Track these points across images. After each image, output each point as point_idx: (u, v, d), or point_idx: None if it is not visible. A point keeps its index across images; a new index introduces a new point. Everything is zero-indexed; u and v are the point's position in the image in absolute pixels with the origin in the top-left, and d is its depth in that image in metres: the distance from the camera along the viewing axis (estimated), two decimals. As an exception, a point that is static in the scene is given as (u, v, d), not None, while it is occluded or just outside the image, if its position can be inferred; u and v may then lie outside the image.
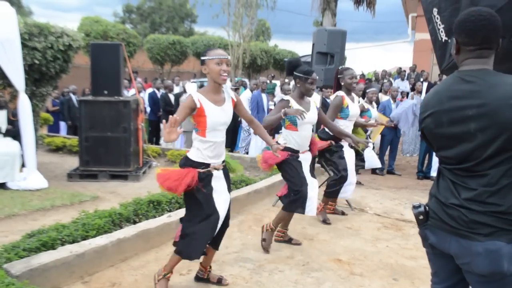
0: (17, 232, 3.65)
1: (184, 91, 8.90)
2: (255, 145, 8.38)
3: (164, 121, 2.34)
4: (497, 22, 1.62)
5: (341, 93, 4.44)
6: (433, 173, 7.32)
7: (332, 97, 4.52)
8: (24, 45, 5.34)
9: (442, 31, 3.12)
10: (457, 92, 1.66)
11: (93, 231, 3.32)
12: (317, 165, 5.67)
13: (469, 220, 1.62)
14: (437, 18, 3.14)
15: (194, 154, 2.75)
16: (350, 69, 4.51)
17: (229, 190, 2.92)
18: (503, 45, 1.70)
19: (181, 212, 3.58)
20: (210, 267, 3.07)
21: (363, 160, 5.20)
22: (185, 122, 2.76)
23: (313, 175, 3.73)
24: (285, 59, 17.02)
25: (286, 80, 11.68)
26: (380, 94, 9.45)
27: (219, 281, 3.06)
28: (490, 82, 1.59)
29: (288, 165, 3.58)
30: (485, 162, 1.60)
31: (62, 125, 10.47)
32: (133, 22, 38.16)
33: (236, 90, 9.69)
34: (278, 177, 5.35)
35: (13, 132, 5.69)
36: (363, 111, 5.56)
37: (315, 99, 3.80)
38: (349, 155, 4.56)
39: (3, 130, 5.73)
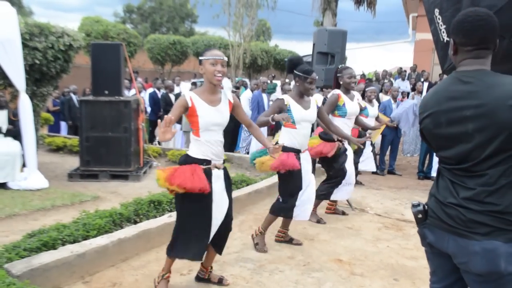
0: (18, 232, 3.65)
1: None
2: (255, 145, 8.37)
3: (159, 120, 2.34)
4: (494, 22, 1.63)
5: (337, 91, 4.43)
6: (434, 173, 7.30)
7: (329, 95, 4.52)
8: (24, 45, 5.35)
9: (444, 32, 3.13)
10: (455, 93, 1.66)
11: (93, 231, 3.33)
12: (317, 165, 5.66)
13: (467, 219, 1.63)
14: (439, 19, 3.14)
15: (193, 152, 2.74)
16: (349, 68, 4.49)
17: (230, 193, 2.89)
18: (503, 45, 1.70)
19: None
20: (211, 267, 3.07)
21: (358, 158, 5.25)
22: (185, 122, 2.77)
23: (313, 172, 3.72)
24: (286, 59, 17.02)
25: (287, 80, 11.69)
26: (380, 94, 9.44)
27: (220, 281, 3.06)
28: (488, 83, 1.60)
29: (289, 173, 3.54)
30: (484, 162, 1.60)
31: (63, 125, 10.48)
32: (133, 22, 38.21)
33: (236, 90, 9.71)
34: (278, 177, 5.35)
35: (14, 132, 5.69)
36: (360, 109, 5.56)
37: (317, 98, 3.79)
38: (350, 157, 4.57)
39: (4, 130, 5.74)
